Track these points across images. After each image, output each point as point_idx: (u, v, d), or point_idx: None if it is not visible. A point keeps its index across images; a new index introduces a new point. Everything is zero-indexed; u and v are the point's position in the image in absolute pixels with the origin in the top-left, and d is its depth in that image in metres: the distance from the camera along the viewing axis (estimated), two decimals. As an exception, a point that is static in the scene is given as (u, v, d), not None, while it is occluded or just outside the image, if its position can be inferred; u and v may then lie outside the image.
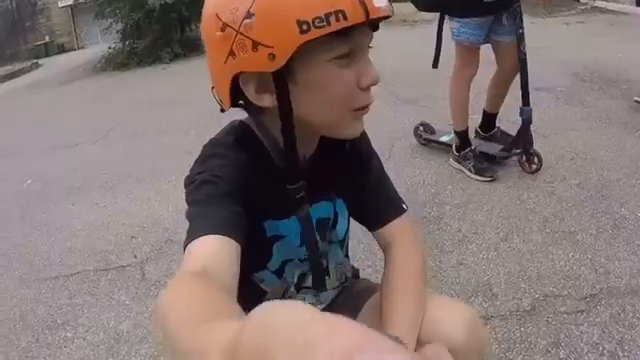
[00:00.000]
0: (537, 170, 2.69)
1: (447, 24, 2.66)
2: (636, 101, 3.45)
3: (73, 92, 7.41)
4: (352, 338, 0.23)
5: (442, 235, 2.26)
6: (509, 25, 2.54)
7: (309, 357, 0.23)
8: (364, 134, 0.97)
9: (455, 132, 2.84)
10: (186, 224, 0.72)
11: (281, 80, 0.72)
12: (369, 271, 1.96)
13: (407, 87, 4.48)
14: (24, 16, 15.87)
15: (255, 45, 0.69)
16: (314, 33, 0.66)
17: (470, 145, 2.82)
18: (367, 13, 0.67)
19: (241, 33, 0.69)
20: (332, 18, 0.66)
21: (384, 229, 0.95)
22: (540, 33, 5.64)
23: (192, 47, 8.35)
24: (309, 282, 0.98)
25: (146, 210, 2.88)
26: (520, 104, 2.64)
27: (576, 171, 2.70)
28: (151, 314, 1.96)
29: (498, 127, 3.00)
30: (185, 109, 4.93)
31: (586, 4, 8.32)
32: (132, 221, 2.76)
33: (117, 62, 8.61)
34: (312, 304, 0.98)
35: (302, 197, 0.83)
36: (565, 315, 1.71)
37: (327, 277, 1.00)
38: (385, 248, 0.96)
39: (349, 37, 0.70)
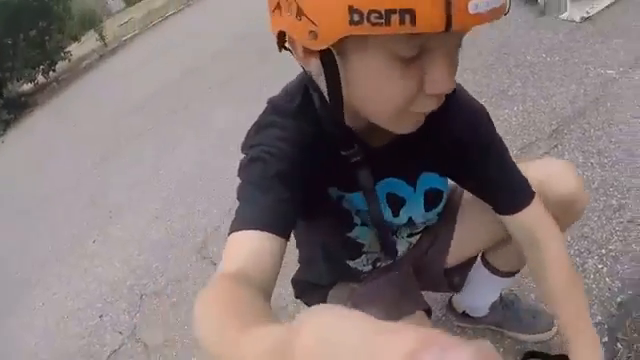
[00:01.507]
0: None
1: None
2: None
3: None
4: (415, 338, 0.23)
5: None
6: None
7: None
8: (480, 118, 0.83)
9: None
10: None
11: (329, 58, 0.59)
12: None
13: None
14: None
15: (300, 13, 0.56)
16: (365, 29, 0.50)
17: None
18: (449, 22, 0.49)
19: None
20: (395, 17, 0.48)
21: (515, 217, 0.87)
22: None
23: (20, 107, 7.44)
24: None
25: (93, 282, 2.54)
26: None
27: (469, 44, 2.84)
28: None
29: None
30: (57, 165, 4.45)
31: None
32: (87, 301, 2.43)
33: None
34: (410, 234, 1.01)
35: (358, 162, 0.76)
36: (547, 155, 1.86)
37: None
38: (524, 239, 0.89)
39: (421, 38, 0.54)
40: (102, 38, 8.87)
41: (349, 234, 0.90)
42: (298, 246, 1.03)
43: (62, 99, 7.18)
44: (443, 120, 0.72)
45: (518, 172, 0.87)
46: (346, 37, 0.53)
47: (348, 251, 0.96)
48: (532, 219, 0.86)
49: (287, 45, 0.65)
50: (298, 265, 1.12)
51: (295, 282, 1.10)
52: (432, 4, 0.48)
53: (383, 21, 0.49)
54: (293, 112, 0.73)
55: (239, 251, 0.62)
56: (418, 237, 1.04)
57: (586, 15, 2.60)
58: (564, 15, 2.66)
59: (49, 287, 2.74)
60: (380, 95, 0.62)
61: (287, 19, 0.58)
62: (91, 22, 9.20)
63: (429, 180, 0.88)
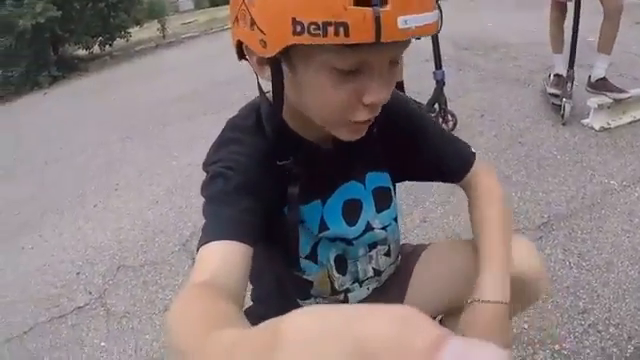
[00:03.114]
0: (454, 127, 2.92)
1: None
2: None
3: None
4: (429, 332, 0.21)
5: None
6: None
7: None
8: (402, 101, 0.91)
9: None
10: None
11: (276, 65, 0.66)
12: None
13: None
14: None
15: (252, 23, 0.62)
16: (306, 39, 0.57)
17: None
18: (379, 33, 0.55)
19: (245, 4, 0.63)
20: (331, 29, 0.55)
21: (464, 180, 0.94)
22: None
23: (70, 68, 7.78)
24: (353, 267, 0.92)
25: (82, 241, 2.65)
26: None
27: (489, 126, 2.98)
28: (135, 350, 1.82)
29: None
30: (85, 130, 4.62)
31: (445, -19, 9.00)
32: (71, 256, 2.52)
33: (-8, 95, 7.69)
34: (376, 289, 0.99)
35: (291, 174, 0.77)
36: (529, 245, 1.92)
37: (387, 257, 0.98)
38: (467, 188, 0.95)
39: (358, 52, 0.59)
40: (163, 30, 9.26)
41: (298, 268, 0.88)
42: (252, 282, 0.97)
43: (111, 73, 7.49)
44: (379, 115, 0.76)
45: (453, 138, 0.94)
46: (291, 46, 0.59)
47: (298, 288, 0.93)
48: (475, 177, 0.92)
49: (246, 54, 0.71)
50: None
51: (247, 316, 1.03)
52: (363, 18, 0.55)
53: (321, 32, 0.55)
54: (248, 129, 0.77)
55: (208, 262, 0.65)
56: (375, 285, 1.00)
57: (606, 126, 2.71)
58: (585, 121, 2.78)
59: (42, 234, 2.86)
60: (318, 103, 0.68)
61: (243, 30, 0.65)
62: (158, 13, 9.63)
63: (375, 179, 0.90)
